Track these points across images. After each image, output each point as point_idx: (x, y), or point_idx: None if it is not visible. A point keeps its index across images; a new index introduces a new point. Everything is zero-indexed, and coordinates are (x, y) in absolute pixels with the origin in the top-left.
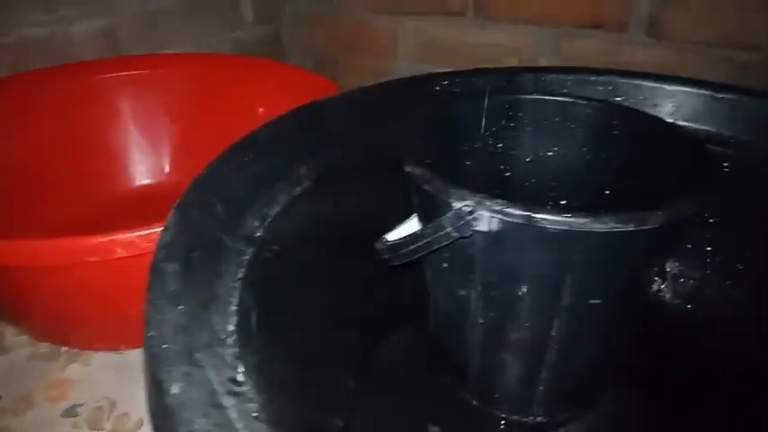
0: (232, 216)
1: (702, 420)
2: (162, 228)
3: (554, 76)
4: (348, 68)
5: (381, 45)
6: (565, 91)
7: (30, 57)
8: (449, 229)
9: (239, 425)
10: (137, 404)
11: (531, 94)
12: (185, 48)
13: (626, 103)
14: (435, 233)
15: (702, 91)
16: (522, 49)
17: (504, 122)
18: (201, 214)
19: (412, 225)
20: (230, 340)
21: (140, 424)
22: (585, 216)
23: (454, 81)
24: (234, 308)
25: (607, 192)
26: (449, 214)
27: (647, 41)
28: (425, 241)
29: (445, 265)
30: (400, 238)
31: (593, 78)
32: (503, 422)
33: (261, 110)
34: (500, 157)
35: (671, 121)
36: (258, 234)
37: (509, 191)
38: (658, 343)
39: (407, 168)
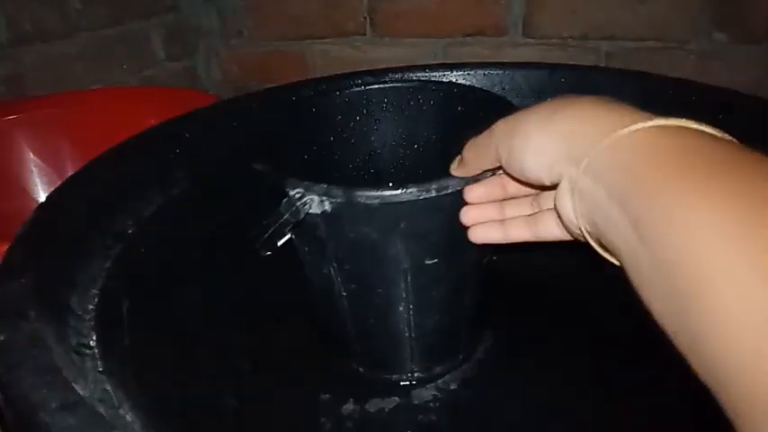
0: (98, 214)
1: (566, 362)
2: None
3: (416, 74)
4: None
5: (292, 70)
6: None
7: None
8: (286, 216)
9: (61, 366)
10: None
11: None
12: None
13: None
14: (276, 221)
15: (538, 71)
16: (415, 60)
17: (364, 112)
18: (64, 212)
19: None
20: (87, 317)
21: None
22: (394, 189)
23: (325, 85)
24: (95, 292)
25: None
26: (284, 201)
27: (524, 42)
28: (272, 229)
29: (306, 248)
30: (255, 231)
31: (447, 72)
32: (384, 383)
33: None
34: (366, 144)
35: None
36: (131, 231)
37: (379, 175)
38: (516, 296)
39: (255, 167)
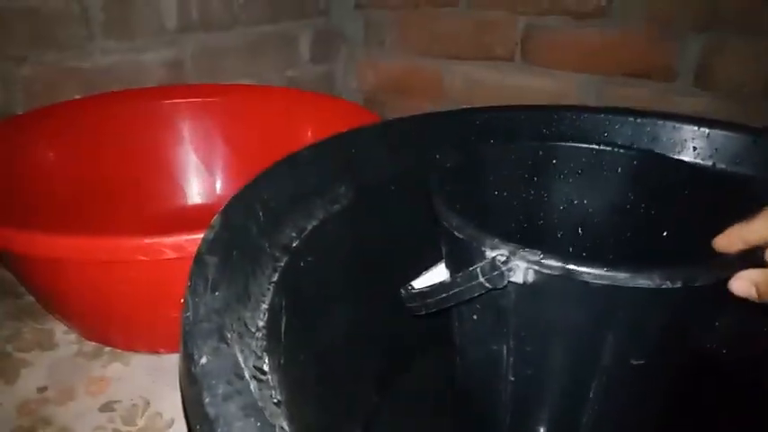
0: (272, 224)
1: None
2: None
3: (591, 115)
4: (395, 111)
5: (428, 87)
6: (605, 135)
7: (102, 81)
8: (481, 280)
9: (260, 403)
10: (169, 404)
11: (568, 139)
12: (243, 82)
13: (665, 144)
14: (467, 283)
15: (741, 134)
16: (565, 95)
17: (537, 168)
18: (244, 219)
19: (439, 272)
20: (259, 334)
21: (171, 423)
22: (629, 271)
23: (493, 116)
24: (265, 307)
25: (646, 245)
26: (482, 263)
27: (693, 91)
28: (455, 291)
29: (475, 316)
30: (427, 287)
31: (631, 119)
32: None
33: (309, 136)
34: (532, 203)
35: (709, 164)
36: (295, 244)
37: (543, 240)
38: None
39: (437, 210)
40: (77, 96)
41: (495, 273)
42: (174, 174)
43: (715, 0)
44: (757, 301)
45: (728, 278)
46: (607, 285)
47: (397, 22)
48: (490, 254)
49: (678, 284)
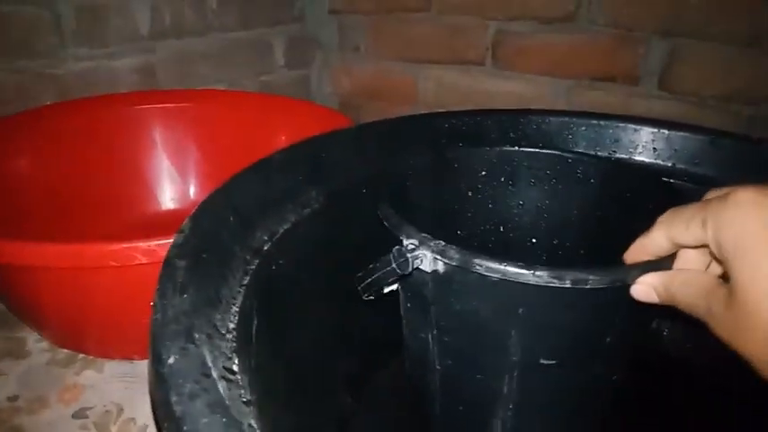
0: (243, 228)
1: None
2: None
3: (556, 119)
4: (370, 115)
5: (402, 92)
6: (569, 138)
7: (76, 87)
8: (393, 265)
9: (227, 401)
10: (143, 411)
11: (534, 143)
12: (217, 87)
13: (626, 146)
14: (384, 268)
15: (699, 136)
16: (536, 98)
17: (509, 174)
18: (215, 223)
19: None
20: (229, 336)
21: (144, 429)
22: (520, 267)
23: (462, 120)
24: (236, 309)
25: (619, 253)
26: (394, 249)
27: (657, 94)
28: (376, 275)
29: (408, 304)
30: (362, 271)
31: (593, 122)
32: None
33: (283, 141)
34: (505, 209)
35: (669, 164)
36: (266, 248)
37: (518, 246)
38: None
39: (380, 206)
40: (50, 102)
41: (402, 259)
42: (147, 179)
43: (678, 7)
44: (660, 303)
45: (623, 284)
46: (505, 280)
47: (371, 27)
48: (405, 242)
49: (567, 284)
